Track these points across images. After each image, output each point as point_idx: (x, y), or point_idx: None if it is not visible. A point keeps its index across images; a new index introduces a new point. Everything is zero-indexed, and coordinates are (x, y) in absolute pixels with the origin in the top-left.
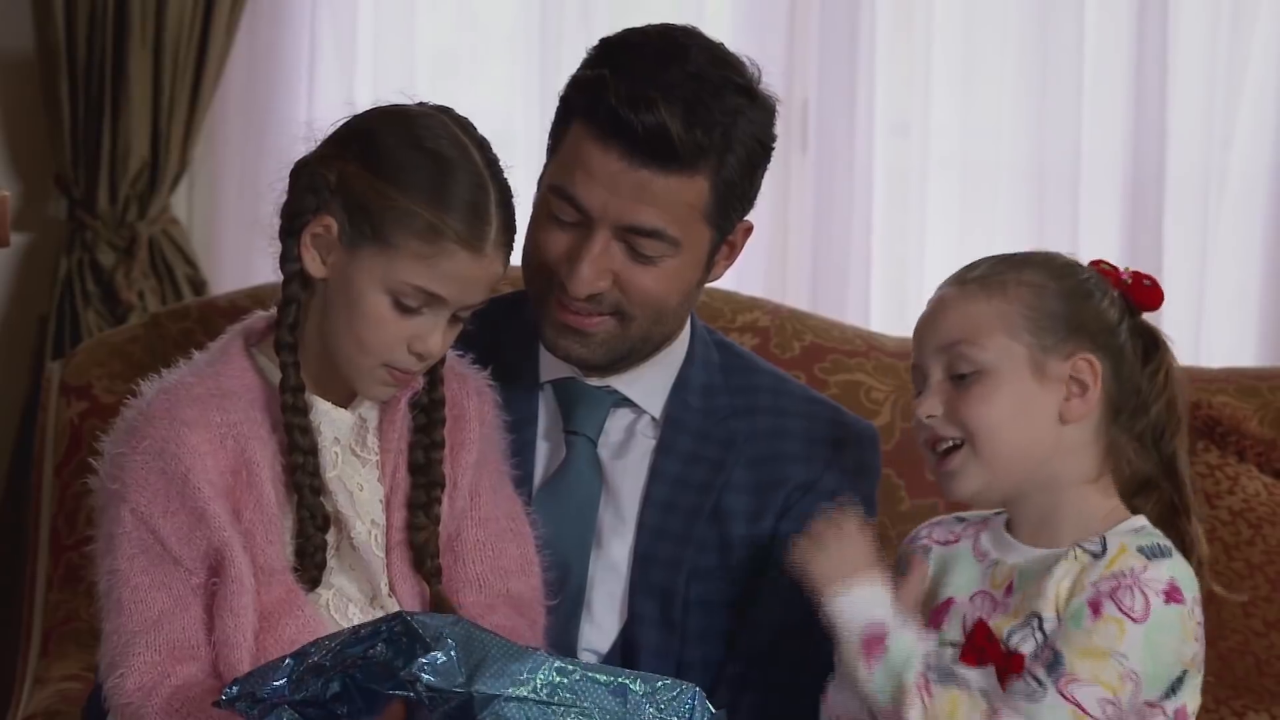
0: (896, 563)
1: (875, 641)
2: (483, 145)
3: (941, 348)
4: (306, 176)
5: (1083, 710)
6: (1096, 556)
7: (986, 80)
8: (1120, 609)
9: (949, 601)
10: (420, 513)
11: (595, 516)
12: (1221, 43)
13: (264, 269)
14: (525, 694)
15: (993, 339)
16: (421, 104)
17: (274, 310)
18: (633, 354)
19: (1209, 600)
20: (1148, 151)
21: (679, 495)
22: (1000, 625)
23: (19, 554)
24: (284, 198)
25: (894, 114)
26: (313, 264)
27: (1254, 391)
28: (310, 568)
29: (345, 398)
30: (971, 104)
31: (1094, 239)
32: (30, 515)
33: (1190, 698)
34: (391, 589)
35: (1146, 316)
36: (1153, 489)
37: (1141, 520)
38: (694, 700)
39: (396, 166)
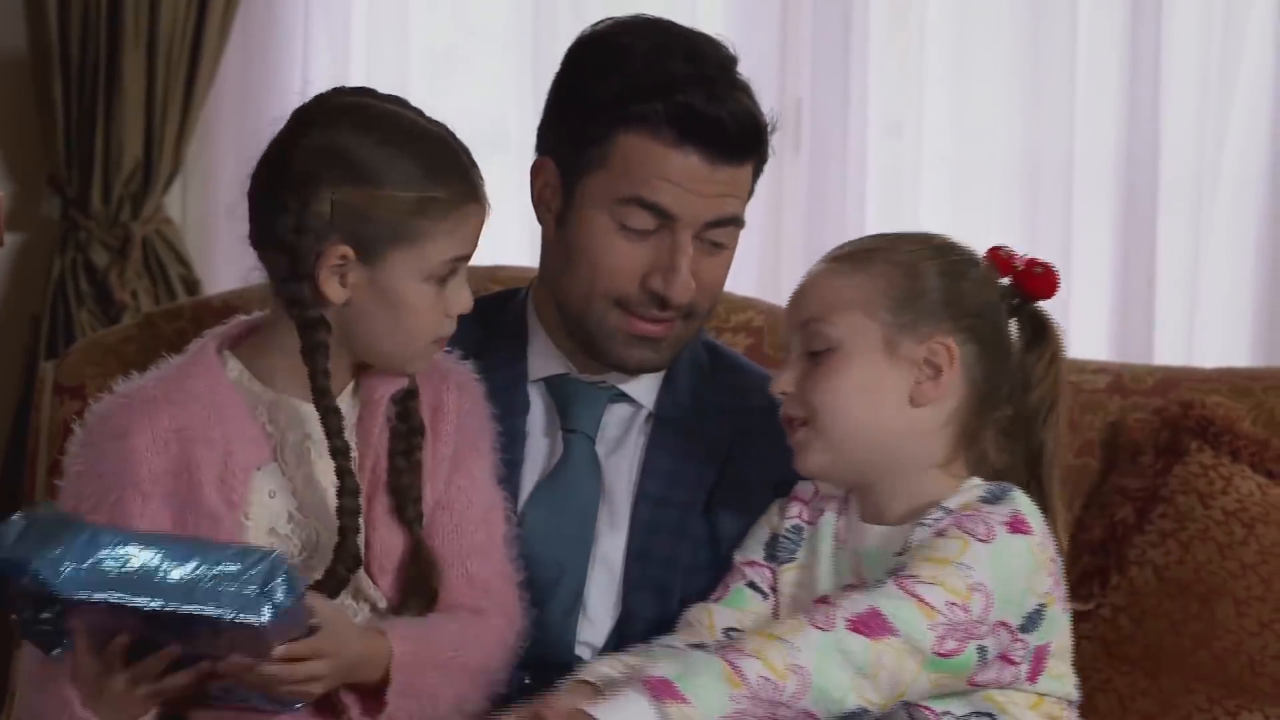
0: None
1: (660, 685)
2: (408, 104)
3: (799, 324)
4: (292, 219)
5: (926, 604)
6: (949, 513)
7: (980, 80)
8: (964, 531)
9: (825, 599)
10: (400, 458)
11: (595, 515)
12: (1214, 43)
13: (258, 268)
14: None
15: (846, 316)
16: (332, 91)
17: (256, 315)
18: (685, 348)
19: (1203, 600)
20: (1141, 152)
21: (671, 491)
22: None
23: None
24: (270, 244)
25: (887, 114)
26: (335, 293)
27: (1247, 392)
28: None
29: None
30: (965, 104)
31: (1087, 239)
32: None
33: (1055, 635)
34: (375, 583)
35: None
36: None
37: (977, 479)
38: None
39: (385, 170)
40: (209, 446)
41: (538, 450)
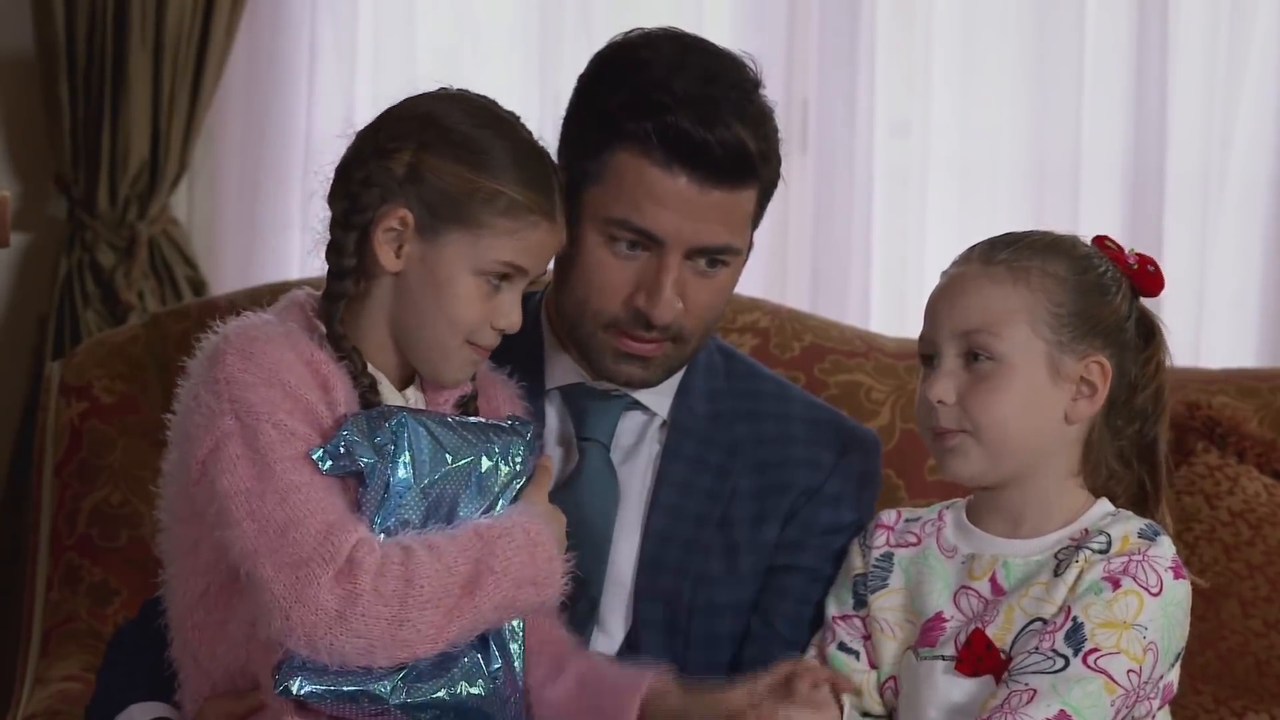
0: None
1: None
2: (517, 118)
3: (960, 332)
4: (365, 172)
5: (1112, 679)
6: (1103, 552)
7: (986, 80)
8: (1137, 583)
9: (939, 617)
10: None
11: (613, 523)
12: (1220, 42)
13: (264, 269)
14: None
15: (1012, 330)
16: (442, 88)
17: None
18: (682, 367)
19: (1210, 601)
20: (1148, 152)
21: (686, 501)
22: (1000, 634)
23: (19, 554)
24: (338, 197)
25: (894, 114)
26: (387, 258)
27: (1254, 392)
28: None
29: (402, 383)
30: (971, 104)
31: None
32: (30, 515)
33: (1176, 674)
34: None
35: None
36: (1122, 475)
37: (1108, 504)
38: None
39: (472, 149)
40: (342, 382)
41: (553, 459)
